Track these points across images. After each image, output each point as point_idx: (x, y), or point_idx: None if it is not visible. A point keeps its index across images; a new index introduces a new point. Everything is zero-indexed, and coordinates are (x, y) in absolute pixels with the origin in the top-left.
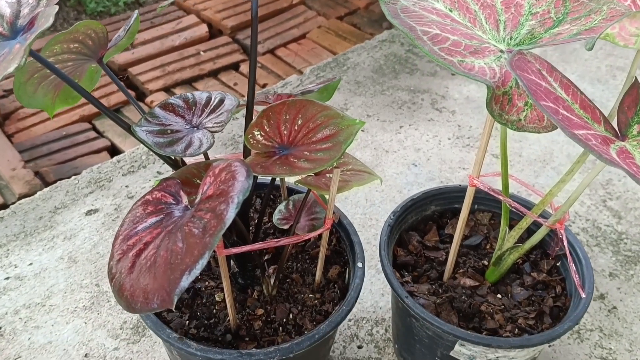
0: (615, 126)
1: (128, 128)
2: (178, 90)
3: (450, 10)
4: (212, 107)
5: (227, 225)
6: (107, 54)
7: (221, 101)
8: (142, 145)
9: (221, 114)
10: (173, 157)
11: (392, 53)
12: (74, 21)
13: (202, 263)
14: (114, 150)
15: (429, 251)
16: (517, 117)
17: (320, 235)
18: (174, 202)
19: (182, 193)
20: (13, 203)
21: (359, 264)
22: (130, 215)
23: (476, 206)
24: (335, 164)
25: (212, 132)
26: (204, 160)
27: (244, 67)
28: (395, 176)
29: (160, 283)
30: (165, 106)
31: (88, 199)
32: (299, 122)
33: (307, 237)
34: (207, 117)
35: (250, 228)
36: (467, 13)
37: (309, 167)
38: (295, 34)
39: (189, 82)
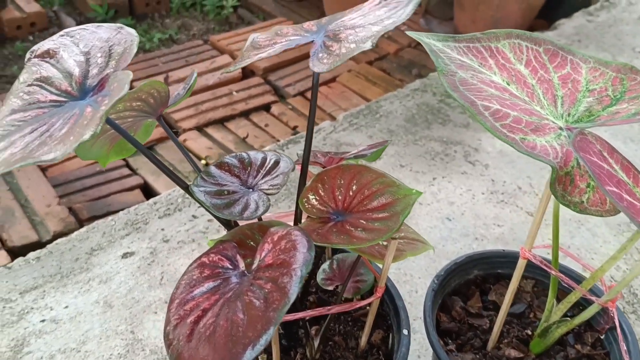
0: None
1: (186, 187)
2: (210, 130)
3: (508, 84)
4: (267, 168)
5: (292, 300)
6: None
7: (276, 163)
8: (177, 187)
9: (277, 176)
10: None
11: (425, 102)
12: None
13: (266, 339)
14: (146, 189)
15: (472, 318)
16: (579, 199)
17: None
18: (230, 267)
19: (238, 257)
20: (48, 241)
21: (405, 332)
22: (186, 278)
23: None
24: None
25: (267, 194)
26: (256, 220)
27: (275, 109)
28: (429, 230)
29: (222, 356)
30: (220, 165)
31: (124, 241)
32: (354, 187)
33: (358, 305)
34: (262, 178)
35: None
36: (524, 87)
37: (367, 238)
38: (326, 77)
39: (221, 122)
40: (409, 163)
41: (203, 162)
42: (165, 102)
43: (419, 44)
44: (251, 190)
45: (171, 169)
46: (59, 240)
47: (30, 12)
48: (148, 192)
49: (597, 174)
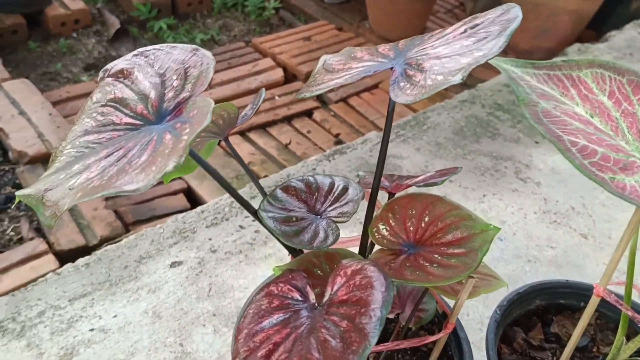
0: None
1: (254, 213)
2: (253, 135)
3: (592, 117)
4: (335, 194)
5: (373, 344)
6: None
7: (345, 189)
8: (224, 196)
9: (345, 203)
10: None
11: (473, 115)
12: None
13: None
14: (189, 193)
15: (534, 351)
16: None
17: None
18: (300, 299)
19: (309, 289)
20: (95, 245)
21: None
22: (254, 307)
23: (582, 304)
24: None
25: (336, 222)
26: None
27: (317, 115)
28: None
29: None
30: (287, 189)
31: (172, 250)
32: (426, 219)
33: (428, 341)
34: (330, 205)
35: None
36: (608, 120)
37: (444, 276)
38: (368, 83)
39: (263, 127)
40: (458, 178)
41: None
42: (234, 124)
43: None
44: (319, 217)
45: None
46: (107, 247)
47: (75, 9)
48: (191, 196)
49: None
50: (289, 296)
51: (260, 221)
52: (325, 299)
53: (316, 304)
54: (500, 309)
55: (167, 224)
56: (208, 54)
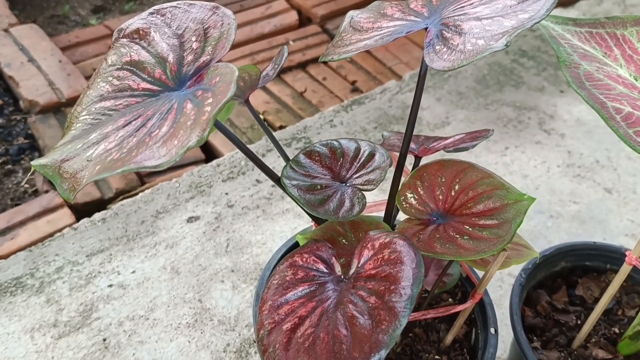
0: None
1: (277, 180)
2: (271, 83)
3: (636, 79)
4: (361, 160)
5: (404, 325)
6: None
7: (371, 155)
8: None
9: (372, 170)
10: None
11: (496, 62)
12: None
13: None
14: (204, 145)
15: (558, 314)
16: None
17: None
18: (326, 271)
19: (334, 260)
20: (111, 198)
21: (492, 330)
22: (278, 278)
23: (608, 266)
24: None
25: (362, 190)
26: None
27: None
28: None
29: None
30: (310, 154)
31: (189, 205)
32: (457, 187)
33: (455, 311)
34: (356, 172)
35: None
36: None
37: (476, 249)
38: None
39: (278, 74)
40: (479, 129)
41: (261, 117)
42: (255, 85)
43: None
44: (344, 184)
45: (229, 123)
46: (124, 202)
47: None
48: (206, 147)
49: None
50: (314, 267)
51: (284, 189)
52: (352, 271)
53: (342, 277)
54: (525, 272)
55: (183, 178)
56: (229, 12)
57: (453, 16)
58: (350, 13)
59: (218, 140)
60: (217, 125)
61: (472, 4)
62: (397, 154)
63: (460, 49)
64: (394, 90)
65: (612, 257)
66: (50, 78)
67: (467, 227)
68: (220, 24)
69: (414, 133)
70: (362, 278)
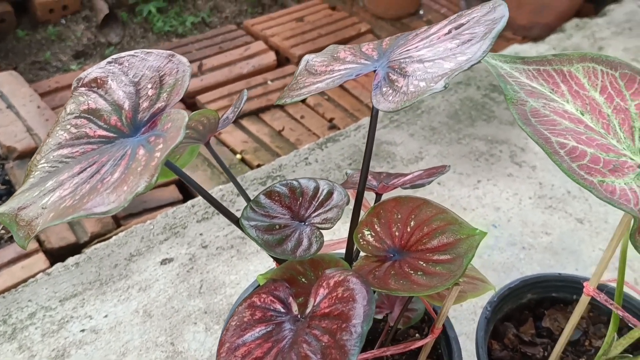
0: None
1: (236, 221)
2: (245, 122)
3: (582, 114)
4: (320, 199)
5: None
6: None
7: (329, 194)
8: (214, 189)
9: (330, 209)
10: None
11: (468, 97)
12: (141, 39)
13: None
14: (181, 184)
15: (525, 346)
16: None
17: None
18: (283, 311)
19: (291, 300)
20: (86, 242)
21: None
22: (237, 320)
23: (574, 296)
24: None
25: (320, 229)
26: None
27: (311, 99)
28: None
29: None
30: (270, 194)
31: (163, 247)
32: (412, 223)
33: (415, 347)
34: (315, 211)
35: None
36: (599, 117)
37: (428, 284)
38: None
39: (256, 113)
40: (452, 164)
41: (239, 156)
42: (215, 129)
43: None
44: (303, 223)
45: (207, 164)
46: (97, 245)
47: None
48: (183, 187)
49: None
50: (272, 308)
51: (243, 230)
52: (308, 310)
53: (299, 316)
54: (490, 305)
55: (157, 219)
56: (184, 60)
57: (399, 59)
58: (307, 57)
59: (196, 180)
60: (176, 171)
61: (417, 47)
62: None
63: (403, 91)
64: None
65: (577, 288)
66: (28, 124)
67: (422, 262)
68: (175, 71)
69: (382, 170)
70: (317, 317)
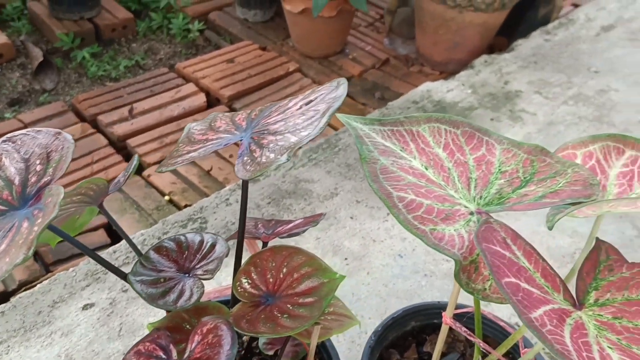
0: (574, 292)
1: (124, 277)
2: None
3: (426, 168)
4: (203, 252)
5: None
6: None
7: (212, 246)
8: (136, 234)
9: (211, 261)
10: None
11: None
12: (75, 84)
13: None
14: (109, 228)
15: None
16: (482, 286)
17: None
18: (164, 357)
19: (172, 347)
20: (14, 290)
21: None
22: None
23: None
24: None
25: (202, 279)
26: None
27: None
28: (382, 268)
29: None
30: (159, 250)
31: (85, 293)
32: (284, 270)
33: None
34: (198, 263)
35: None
36: (441, 171)
37: (291, 326)
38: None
39: None
40: (364, 199)
41: (167, 198)
42: (105, 193)
43: (383, 64)
44: (187, 275)
45: (135, 206)
46: (22, 294)
47: None
48: (112, 231)
49: (497, 265)
50: (154, 355)
51: (131, 285)
52: (185, 356)
53: None
54: (375, 334)
55: (80, 266)
56: (68, 137)
57: (260, 131)
58: (189, 125)
59: (124, 223)
60: (61, 235)
61: (275, 120)
62: (252, 240)
63: (257, 161)
64: (288, 165)
65: (455, 314)
66: None
67: (289, 306)
68: (60, 148)
69: (300, 206)
70: None
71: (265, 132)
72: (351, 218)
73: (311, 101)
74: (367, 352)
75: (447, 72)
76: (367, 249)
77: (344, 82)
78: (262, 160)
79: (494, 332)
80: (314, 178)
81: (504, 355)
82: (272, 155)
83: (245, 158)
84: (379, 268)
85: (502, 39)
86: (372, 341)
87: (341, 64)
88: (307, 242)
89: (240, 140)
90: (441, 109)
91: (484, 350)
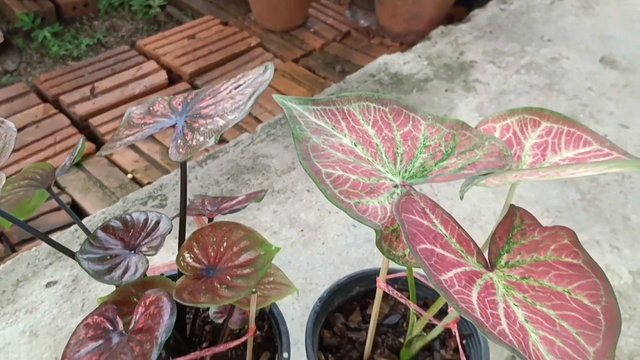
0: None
1: (72, 255)
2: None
3: (355, 145)
4: (148, 230)
5: None
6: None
7: (157, 224)
8: (97, 213)
9: (155, 237)
10: None
11: None
12: (37, 64)
13: None
14: (74, 206)
15: (351, 332)
16: (402, 252)
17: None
18: (111, 328)
19: (118, 319)
20: None
21: (285, 355)
22: (75, 338)
23: (396, 285)
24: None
25: (146, 255)
26: None
27: None
28: (336, 238)
29: None
30: (106, 228)
31: (48, 271)
32: (225, 244)
33: (232, 346)
34: (143, 240)
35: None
36: (370, 147)
37: (229, 296)
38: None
39: None
40: None
41: (130, 176)
42: (52, 176)
43: (344, 37)
44: (132, 252)
45: (98, 185)
46: None
47: None
48: (76, 209)
49: (413, 233)
50: (102, 326)
51: (79, 263)
52: (131, 326)
53: (124, 332)
54: (320, 300)
55: (43, 246)
56: (12, 125)
57: (192, 115)
58: (130, 109)
59: (87, 202)
60: (11, 219)
61: (207, 104)
62: (200, 216)
63: (189, 144)
64: (247, 142)
65: (392, 278)
66: None
67: (229, 277)
68: (4, 136)
69: (258, 181)
70: (135, 331)
71: (197, 115)
72: (307, 191)
73: (240, 85)
74: (313, 317)
75: (407, 43)
76: (322, 220)
77: (270, 66)
78: (193, 144)
79: (434, 295)
80: (272, 153)
81: (439, 314)
82: (201, 138)
83: (179, 141)
84: (333, 238)
85: (461, 8)
86: (317, 307)
87: (303, 37)
88: (264, 215)
89: (175, 124)
90: (397, 81)
91: (418, 314)
